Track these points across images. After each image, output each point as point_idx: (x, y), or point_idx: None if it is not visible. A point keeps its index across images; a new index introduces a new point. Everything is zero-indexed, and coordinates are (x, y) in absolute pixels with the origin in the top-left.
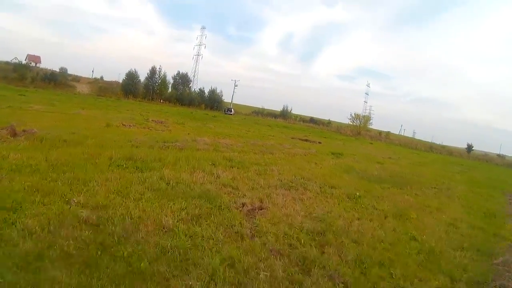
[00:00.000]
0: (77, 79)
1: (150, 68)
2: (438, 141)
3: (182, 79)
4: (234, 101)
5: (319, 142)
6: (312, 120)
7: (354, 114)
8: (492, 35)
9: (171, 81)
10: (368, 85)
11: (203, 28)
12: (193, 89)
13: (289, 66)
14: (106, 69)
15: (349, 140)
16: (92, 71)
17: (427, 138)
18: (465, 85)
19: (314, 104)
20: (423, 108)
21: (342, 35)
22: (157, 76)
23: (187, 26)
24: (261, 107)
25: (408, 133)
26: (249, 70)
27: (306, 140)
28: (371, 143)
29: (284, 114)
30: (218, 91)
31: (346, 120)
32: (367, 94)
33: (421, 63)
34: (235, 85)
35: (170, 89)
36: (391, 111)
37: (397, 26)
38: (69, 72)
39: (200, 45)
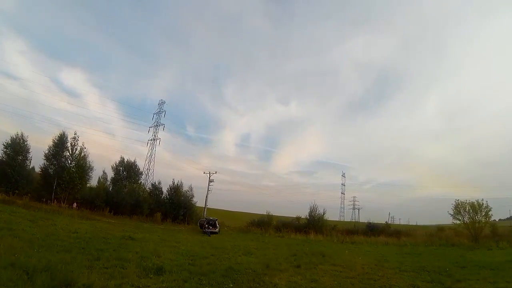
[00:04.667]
0: None
1: (56, 138)
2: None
3: (128, 171)
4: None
5: None
6: (371, 226)
7: (459, 202)
8: (434, 111)
9: (111, 173)
10: (343, 175)
11: (162, 102)
12: (145, 187)
13: (249, 166)
14: None
15: None
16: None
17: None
18: (419, 164)
19: (281, 203)
20: (383, 193)
21: (297, 131)
22: (67, 153)
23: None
24: (265, 212)
25: (395, 221)
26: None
27: None
28: None
29: (315, 223)
30: (185, 188)
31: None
32: (344, 185)
33: (375, 150)
34: (210, 181)
35: (110, 186)
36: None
37: (347, 118)
38: None
39: (157, 125)
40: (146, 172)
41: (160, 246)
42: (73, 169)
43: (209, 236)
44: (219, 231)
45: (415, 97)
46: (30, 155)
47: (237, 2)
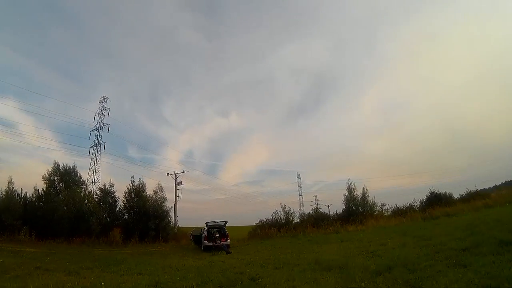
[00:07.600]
0: None
1: None
2: None
3: (66, 181)
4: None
5: None
6: (437, 196)
7: None
8: (372, 109)
9: (43, 187)
10: (298, 177)
11: (104, 99)
12: (91, 194)
13: (196, 182)
14: None
15: None
16: None
17: None
18: (364, 160)
19: (238, 213)
20: (333, 193)
21: (240, 142)
22: None
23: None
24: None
25: None
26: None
27: None
28: None
29: (357, 208)
30: (147, 190)
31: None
32: (300, 187)
33: (319, 152)
34: (177, 184)
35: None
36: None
37: (288, 124)
38: None
39: (101, 127)
40: (91, 182)
41: None
42: None
43: (230, 253)
44: (229, 243)
45: (352, 97)
46: None
47: (167, 16)
